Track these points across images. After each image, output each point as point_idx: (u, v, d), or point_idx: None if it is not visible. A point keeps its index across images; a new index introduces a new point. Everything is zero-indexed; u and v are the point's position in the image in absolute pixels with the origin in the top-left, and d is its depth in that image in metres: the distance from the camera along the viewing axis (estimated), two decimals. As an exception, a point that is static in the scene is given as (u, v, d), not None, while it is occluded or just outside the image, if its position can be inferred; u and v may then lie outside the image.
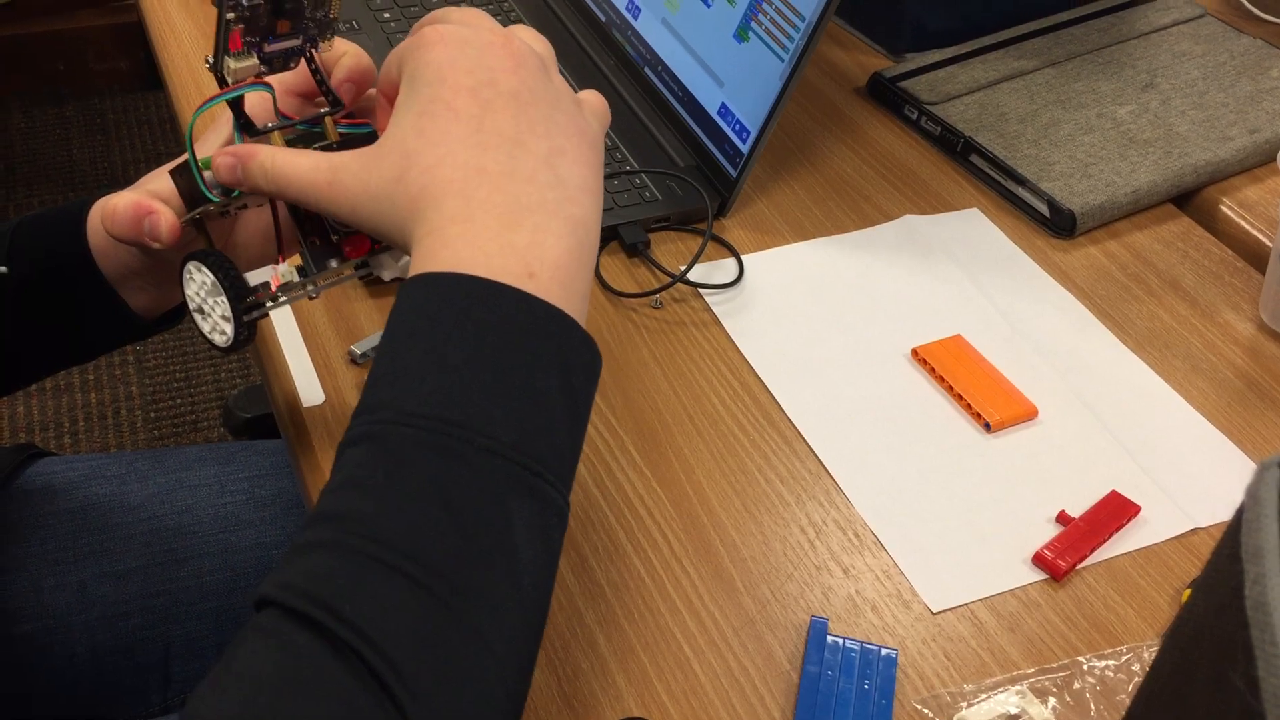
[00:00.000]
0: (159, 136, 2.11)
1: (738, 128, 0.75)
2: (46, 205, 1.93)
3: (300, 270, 0.50)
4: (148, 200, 0.50)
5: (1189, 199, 0.80)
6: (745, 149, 0.74)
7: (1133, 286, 0.73)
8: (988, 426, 0.63)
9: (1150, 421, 0.64)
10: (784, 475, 0.60)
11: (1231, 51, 0.89)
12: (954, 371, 0.65)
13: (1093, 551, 0.56)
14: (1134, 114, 0.83)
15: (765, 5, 0.73)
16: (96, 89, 2.19)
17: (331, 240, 0.50)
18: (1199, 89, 0.85)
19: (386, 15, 0.90)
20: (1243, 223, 0.78)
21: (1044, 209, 0.76)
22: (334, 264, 0.50)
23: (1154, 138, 0.81)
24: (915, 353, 0.67)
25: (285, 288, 0.50)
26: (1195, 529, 0.58)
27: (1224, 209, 0.79)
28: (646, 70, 0.83)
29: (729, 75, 0.76)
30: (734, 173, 0.75)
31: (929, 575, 0.56)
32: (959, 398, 0.64)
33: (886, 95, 0.86)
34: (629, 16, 0.86)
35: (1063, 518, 0.58)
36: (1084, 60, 0.88)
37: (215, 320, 0.50)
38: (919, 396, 0.64)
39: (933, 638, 0.53)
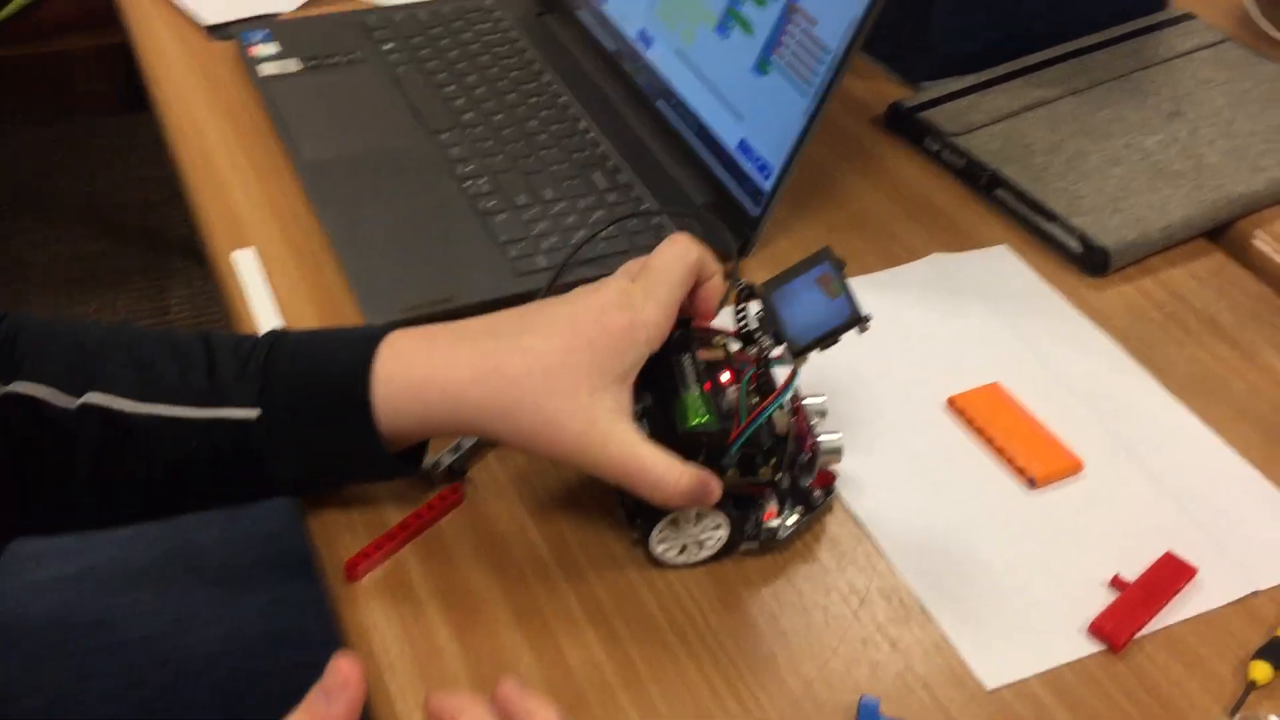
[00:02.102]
0: (148, 161, 2.07)
1: (759, 164, 0.71)
2: (30, 231, 1.88)
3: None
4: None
5: (1221, 232, 0.77)
6: (768, 187, 0.70)
7: (1170, 327, 0.70)
8: (1032, 483, 0.59)
9: (1199, 474, 0.60)
10: (821, 537, 0.56)
11: (1256, 78, 0.86)
12: (994, 423, 0.62)
13: (1151, 618, 0.53)
14: (1162, 144, 0.80)
15: (787, 36, 0.70)
16: (81, 110, 2.14)
17: None
18: (1226, 117, 0.82)
19: (388, 46, 0.86)
20: (1277, 258, 0.75)
21: (1075, 245, 0.73)
22: None
23: (1184, 169, 0.77)
24: (952, 402, 0.63)
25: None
26: (1256, 591, 0.55)
27: (1258, 243, 0.76)
28: (659, 103, 0.80)
29: (749, 109, 0.72)
30: (756, 212, 0.71)
31: (981, 647, 0.52)
32: (1000, 451, 0.61)
33: (906, 126, 0.83)
34: (640, 46, 0.82)
35: (1117, 582, 0.55)
36: (1107, 88, 0.85)
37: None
38: (959, 450, 0.61)
39: (989, 718, 0.50)
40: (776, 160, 0.70)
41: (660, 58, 0.80)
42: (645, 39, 0.82)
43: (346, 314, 0.66)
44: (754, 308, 0.55)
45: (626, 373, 0.49)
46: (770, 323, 0.54)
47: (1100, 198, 0.75)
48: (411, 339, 0.50)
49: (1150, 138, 0.80)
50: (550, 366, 0.48)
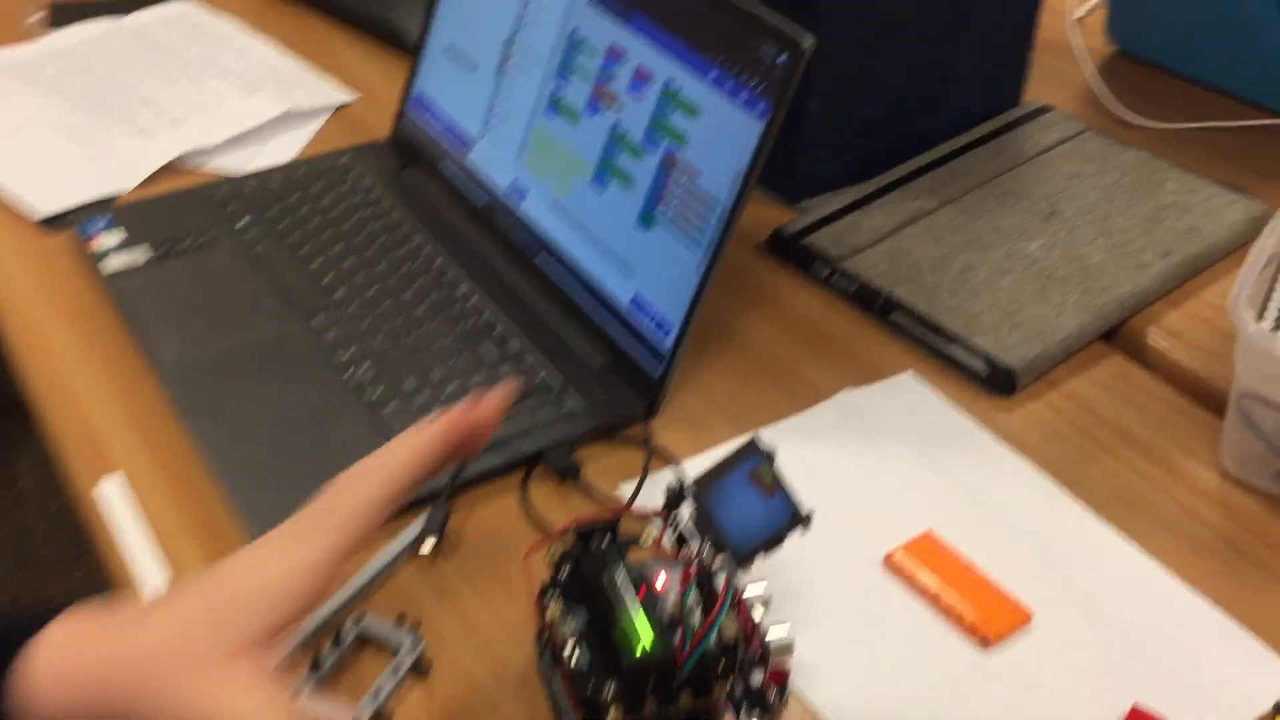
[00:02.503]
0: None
1: (656, 321, 0.68)
2: None
3: None
4: None
5: (1116, 332, 0.77)
6: (668, 346, 0.67)
7: (1086, 444, 0.69)
8: (985, 642, 0.57)
9: (1146, 607, 0.59)
10: (782, 738, 0.53)
11: (1121, 168, 0.87)
12: (936, 579, 0.59)
13: (1130, 783, 0.51)
14: (1044, 248, 0.80)
15: (670, 189, 0.68)
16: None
17: None
18: (1100, 213, 0.83)
19: (243, 222, 0.81)
20: (1174, 354, 0.75)
21: (981, 367, 0.72)
22: None
23: (1070, 274, 0.77)
24: (890, 560, 0.61)
25: None
26: (1225, 734, 0.53)
27: (1152, 341, 0.76)
28: (540, 258, 0.76)
29: (638, 264, 0.70)
30: (658, 372, 0.68)
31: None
32: (948, 611, 0.58)
33: (791, 253, 0.81)
34: (512, 200, 0.79)
35: (1090, 747, 0.52)
36: (981, 193, 0.85)
37: None
38: (906, 614, 0.59)
39: None
40: (674, 317, 0.67)
41: (535, 211, 0.77)
42: (517, 191, 0.79)
43: (233, 541, 0.61)
44: (686, 510, 0.52)
45: (261, 635, 0.44)
46: (706, 527, 0.50)
47: (996, 313, 0.74)
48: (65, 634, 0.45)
49: (1032, 243, 0.80)
50: (169, 642, 0.43)
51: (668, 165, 0.68)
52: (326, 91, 0.97)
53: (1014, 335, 0.73)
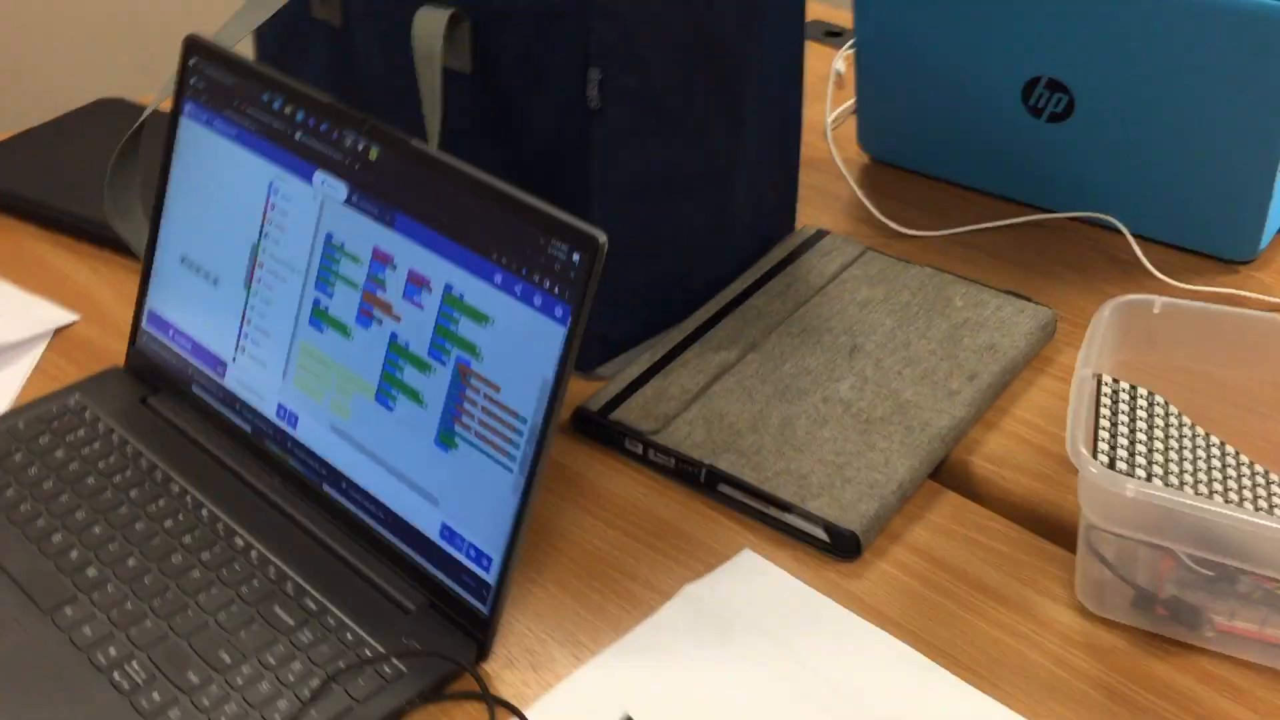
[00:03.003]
0: None
1: (473, 554, 0.61)
2: None
3: None
4: None
5: (940, 466, 0.75)
6: (491, 579, 0.60)
7: (941, 600, 0.66)
8: None
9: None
10: None
11: (909, 287, 0.86)
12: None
13: None
14: (855, 389, 0.77)
15: (469, 405, 0.61)
16: None
17: None
18: (900, 339, 0.81)
19: (38, 522, 0.69)
20: (1003, 482, 0.73)
21: (821, 534, 0.68)
22: None
23: (888, 413, 0.75)
24: (778, 789, 0.55)
25: None
26: None
27: (979, 472, 0.74)
28: (327, 489, 0.68)
29: (443, 491, 0.62)
30: (485, 609, 0.61)
31: None
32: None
33: (600, 432, 0.76)
34: (283, 424, 0.70)
35: None
36: (780, 334, 0.82)
37: None
38: None
39: None
40: (494, 546, 0.60)
41: (313, 436, 0.68)
42: (288, 416, 0.70)
43: None
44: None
45: None
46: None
47: (825, 469, 0.71)
48: None
49: (842, 383, 0.77)
50: None
51: (461, 379, 0.61)
52: (40, 314, 0.85)
53: (848, 492, 0.69)
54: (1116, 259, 0.92)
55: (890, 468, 0.71)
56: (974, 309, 0.84)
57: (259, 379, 0.71)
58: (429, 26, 0.71)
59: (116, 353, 0.82)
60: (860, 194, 0.98)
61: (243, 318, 0.72)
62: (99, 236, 0.92)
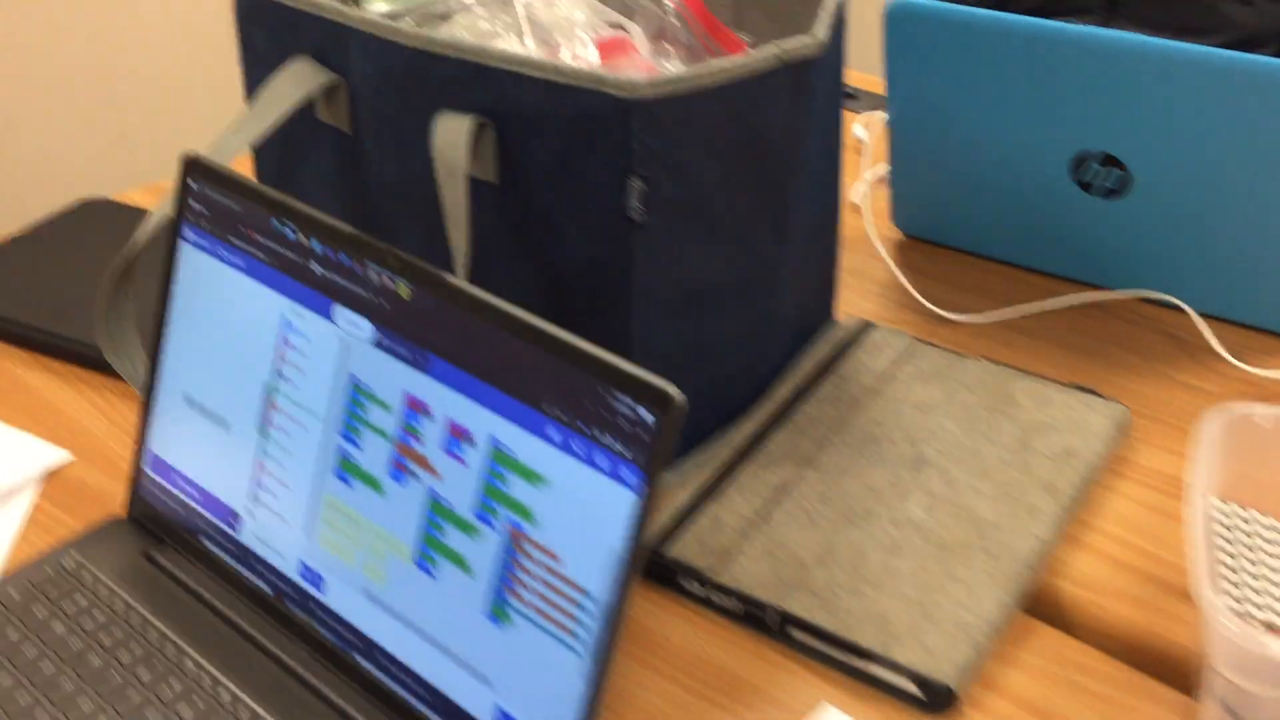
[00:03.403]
0: None
1: (536, 742, 0.54)
2: None
3: None
4: None
5: (1029, 596, 0.69)
6: (558, 772, 0.54)
7: (1052, 758, 0.60)
8: None
9: None
10: None
11: (968, 384, 0.81)
12: None
13: None
14: (926, 508, 0.71)
15: (524, 577, 0.54)
16: None
17: None
18: (968, 448, 0.75)
19: (36, 714, 0.62)
20: (1099, 612, 0.68)
21: (909, 687, 0.62)
22: None
23: (967, 538, 0.69)
24: None
25: None
26: None
27: (1070, 601, 0.69)
28: (360, 660, 0.61)
29: (496, 671, 0.56)
30: (552, 806, 0.54)
31: None
32: None
33: (653, 569, 0.70)
34: (308, 586, 0.63)
35: None
36: (837, 448, 0.76)
37: None
38: None
39: None
40: (560, 735, 0.53)
41: (342, 601, 0.62)
42: (312, 577, 0.63)
43: None
44: None
45: None
46: None
47: (905, 607, 0.65)
48: None
49: (911, 503, 0.72)
50: None
51: (514, 545, 0.55)
52: (28, 453, 0.78)
53: (935, 635, 0.63)
54: (1182, 341, 0.87)
55: (978, 603, 0.65)
56: (1041, 408, 0.78)
57: (279, 535, 0.65)
58: (451, 135, 0.66)
59: (113, 496, 0.75)
60: (901, 277, 0.93)
61: (258, 466, 0.66)
62: (88, 359, 0.85)
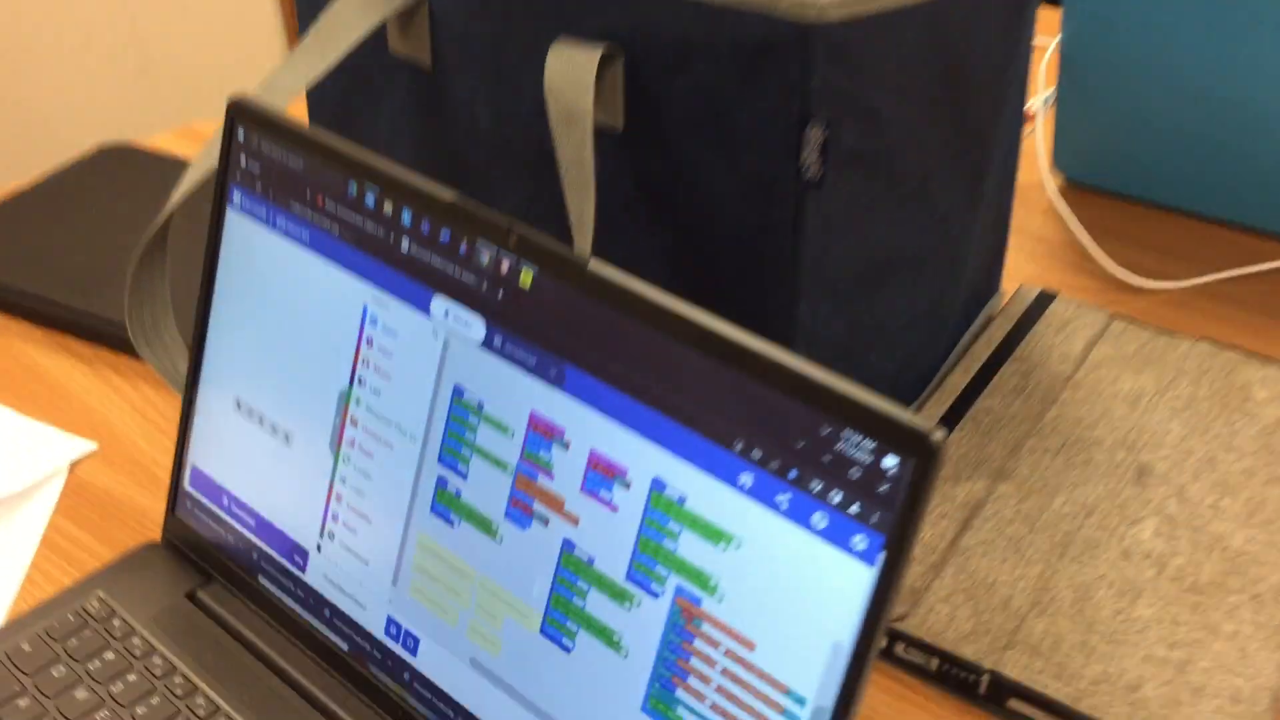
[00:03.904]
0: None
1: None
2: None
3: None
4: None
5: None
6: None
7: None
8: None
9: None
10: None
11: (1187, 373, 0.67)
12: None
13: None
14: (1163, 536, 0.57)
15: (697, 663, 0.41)
16: None
17: None
18: (1200, 454, 0.61)
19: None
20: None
21: (1176, 781, 0.48)
22: None
23: (1219, 573, 0.56)
24: None
25: None
26: None
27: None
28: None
29: (660, 781, 0.43)
30: None
31: None
32: None
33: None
34: (396, 647, 0.50)
35: None
36: (1033, 454, 0.62)
37: None
38: None
39: None
40: None
41: (442, 670, 0.49)
42: (402, 636, 0.50)
43: None
44: None
45: None
46: None
47: (1159, 672, 0.52)
48: None
49: (1140, 527, 0.58)
50: None
51: (685, 622, 0.41)
52: (46, 445, 0.66)
53: (1199, 711, 0.50)
54: None
55: (1251, 666, 0.52)
56: (1282, 401, 0.64)
57: (358, 579, 0.52)
58: (572, 71, 0.51)
59: (146, 512, 0.62)
60: (1082, 233, 0.78)
61: (330, 492, 0.52)
62: (114, 339, 0.72)
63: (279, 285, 0.53)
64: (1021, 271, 0.77)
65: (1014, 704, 0.52)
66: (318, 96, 0.69)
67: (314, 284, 0.52)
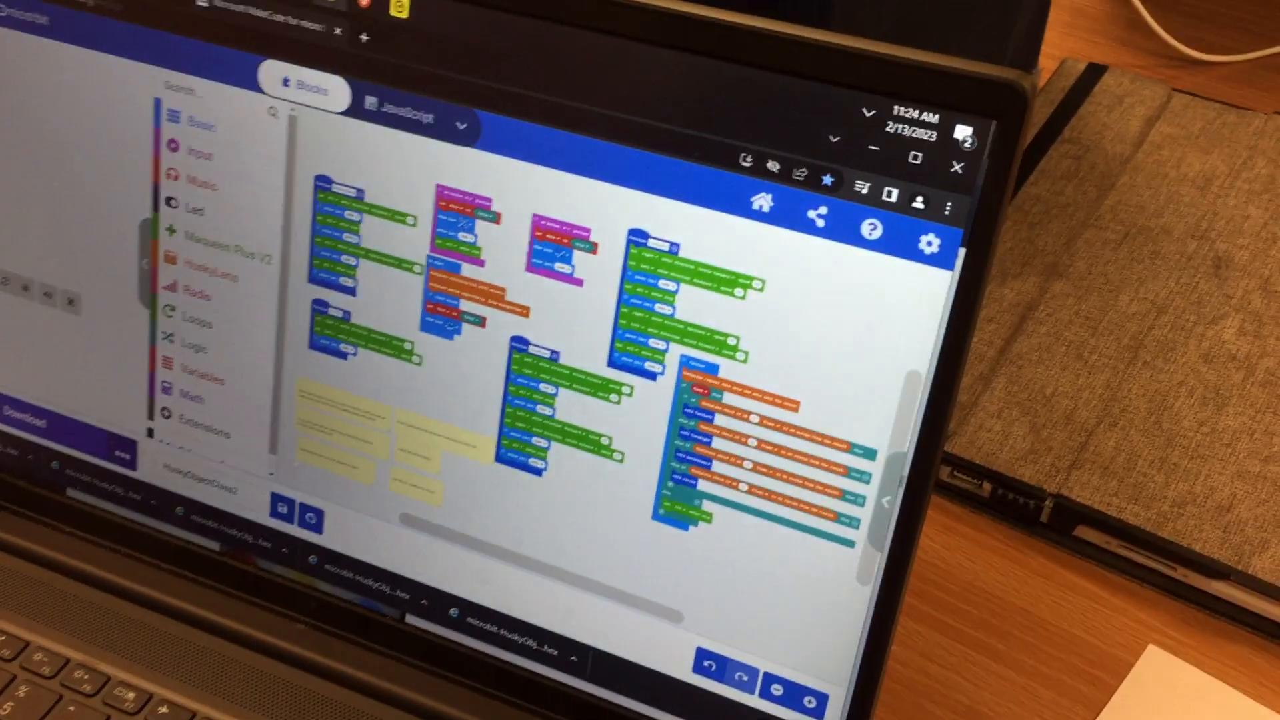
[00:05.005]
0: None
1: (790, 694, 0.55)
2: None
3: None
4: None
5: None
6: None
7: None
8: None
9: None
10: None
11: (1264, 152, 0.82)
12: None
13: None
14: (1249, 333, 0.71)
15: (722, 444, 0.54)
16: None
17: None
18: (1279, 237, 0.77)
19: None
20: None
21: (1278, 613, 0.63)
22: None
23: (1327, 368, 0.70)
24: None
25: None
26: None
27: None
28: (416, 620, 0.60)
29: (687, 597, 0.55)
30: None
31: None
32: None
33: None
34: (294, 529, 0.62)
35: None
36: (1092, 246, 0.76)
37: None
38: None
39: None
40: (831, 675, 0.53)
41: (360, 540, 0.60)
42: (297, 513, 0.61)
43: None
44: None
45: None
46: None
47: (1248, 488, 0.65)
48: None
49: (1220, 325, 0.72)
50: None
51: (698, 397, 0.54)
52: None
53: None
54: None
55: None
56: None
57: (219, 458, 0.62)
58: None
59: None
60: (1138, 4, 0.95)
61: (154, 358, 0.63)
62: None
63: (20, 101, 0.62)
64: (1061, 47, 0.92)
65: (1083, 531, 0.65)
66: None
67: (71, 87, 0.59)
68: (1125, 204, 0.74)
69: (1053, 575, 0.65)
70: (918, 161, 0.47)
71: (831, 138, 0.48)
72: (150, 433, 0.61)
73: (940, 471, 0.65)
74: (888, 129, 0.47)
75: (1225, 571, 0.62)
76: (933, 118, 0.46)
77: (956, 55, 0.46)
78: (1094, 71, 0.83)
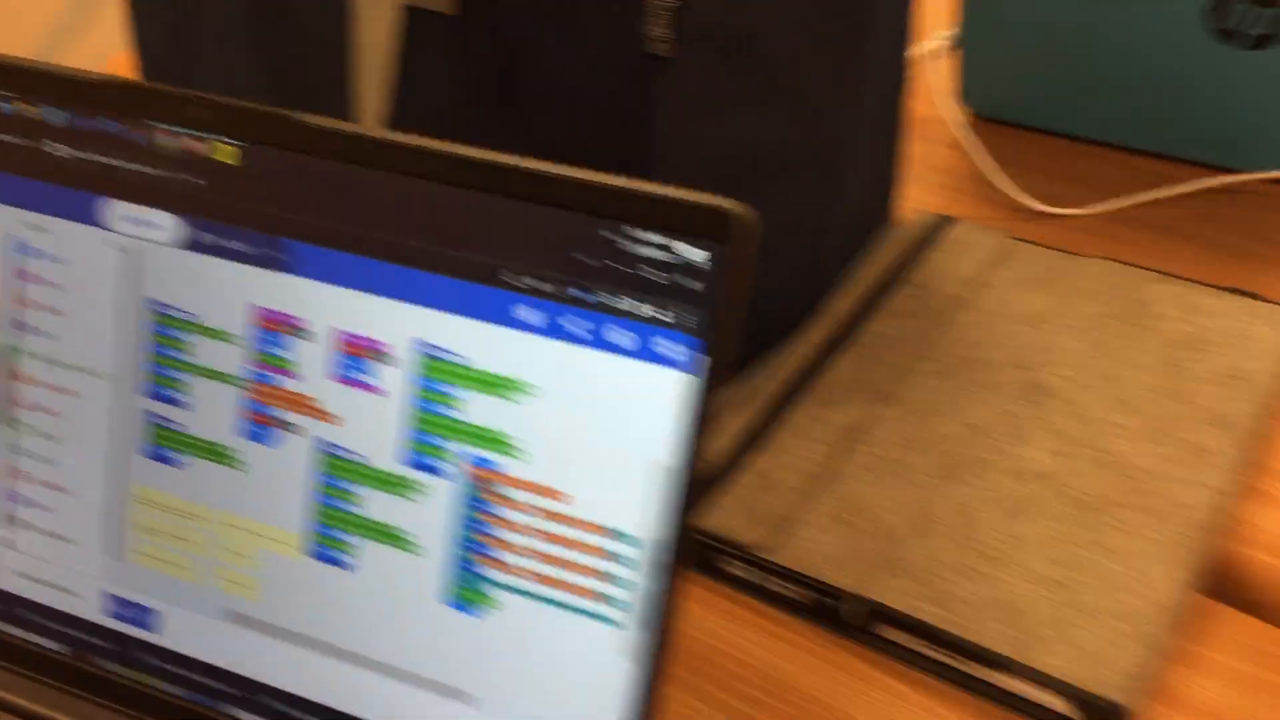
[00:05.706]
0: None
1: None
2: None
3: None
4: None
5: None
6: None
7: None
8: None
9: None
10: None
11: (1089, 293, 0.91)
12: None
13: None
14: (1056, 453, 0.80)
15: (503, 534, 0.62)
16: None
17: None
18: (1100, 372, 0.85)
19: None
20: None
21: (1059, 705, 0.70)
22: None
23: (1115, 489, 0.78)
24: None
25: None
26: None
27: (1263, 571, 0.78)
28: (236, 711, 0.66)
29: (476, 678, 0.62)
30: None
31: None
32: None
33: (684, 550, 0.77)
34: (128, 628, 0.68)
35: None
36: (923, 376, 0.86)
37: None
38: None
39: None
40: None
41: (191, 637, 0.68)
42: (131, 614, 0.68)
43: None
44: None
45: None
46: None
47: (1042, 591, 0.73)
48: None
49: (1032, 446, 0.80)
50: None
51: (481, 492, 0.62)
52: None
53: (1090, 631, 0.71)
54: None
55: (1144, 582, 0.73)
56: (1188, 318, 0.89)
57: (65, 564, 0.69)
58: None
59: None
60: (982, 159, 1.05)
61: (5, 472, 0.70)
62: None
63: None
64: (921, 202, 1.03)
65: (885, 631, 0.73)
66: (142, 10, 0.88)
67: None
68: (959, 340, 0.84)
69: (852, 667, 0.73)
70: (662, 280, 0.56)
71: (576, 257, 0.57)
72: (6, 541, 0.68)
73: (768, 581, 0.74)
74: (626, 246, 0.57)
75: (1006, 663, 0.70)
76: (661, 239, 0.55)
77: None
78: (942, 222, 0.94)
